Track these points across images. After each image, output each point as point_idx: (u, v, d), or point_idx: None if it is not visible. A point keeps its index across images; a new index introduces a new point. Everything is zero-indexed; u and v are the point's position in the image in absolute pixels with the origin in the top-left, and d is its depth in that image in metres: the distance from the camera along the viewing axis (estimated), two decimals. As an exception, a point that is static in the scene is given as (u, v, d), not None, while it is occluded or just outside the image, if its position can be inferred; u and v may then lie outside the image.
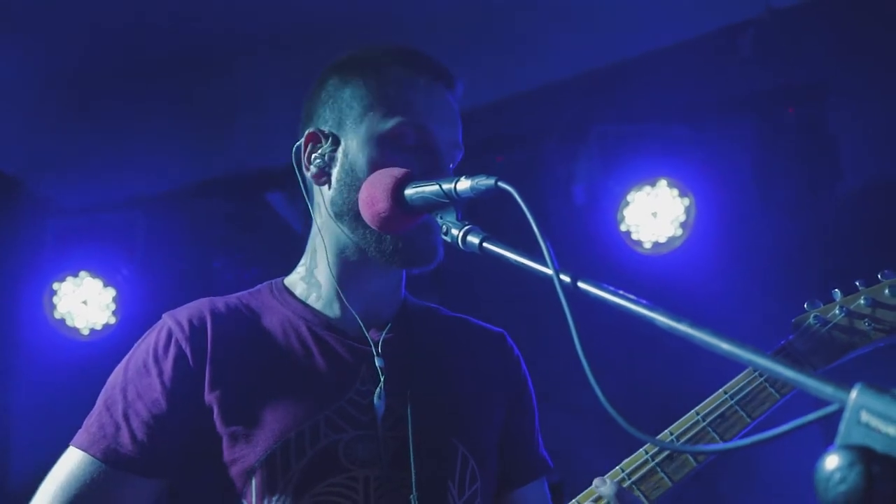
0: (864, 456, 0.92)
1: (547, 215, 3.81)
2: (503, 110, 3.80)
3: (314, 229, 1.91)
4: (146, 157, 4.31)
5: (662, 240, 3.79)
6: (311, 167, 1.87)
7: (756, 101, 3.51)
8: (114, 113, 4.12)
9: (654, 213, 3.77)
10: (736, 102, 3.56)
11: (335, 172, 1.84)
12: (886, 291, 1.70)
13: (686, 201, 3.73)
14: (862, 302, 1.71)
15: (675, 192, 3.74)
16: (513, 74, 3.77)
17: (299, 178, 1.92)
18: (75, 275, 4.25)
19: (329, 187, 1.84)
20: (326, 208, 1.85)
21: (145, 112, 4.15)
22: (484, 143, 3.70)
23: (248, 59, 3.69)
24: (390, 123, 1.79)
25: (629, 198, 3.79)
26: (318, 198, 1.88)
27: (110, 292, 4.24)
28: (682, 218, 3.75)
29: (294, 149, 1.90)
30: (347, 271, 1.87)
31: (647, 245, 3.82)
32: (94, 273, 4.28)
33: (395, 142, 1.80)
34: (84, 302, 4.24)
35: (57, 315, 4.22)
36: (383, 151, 1.79)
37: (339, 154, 1.86)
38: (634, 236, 3.83)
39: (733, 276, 3.61)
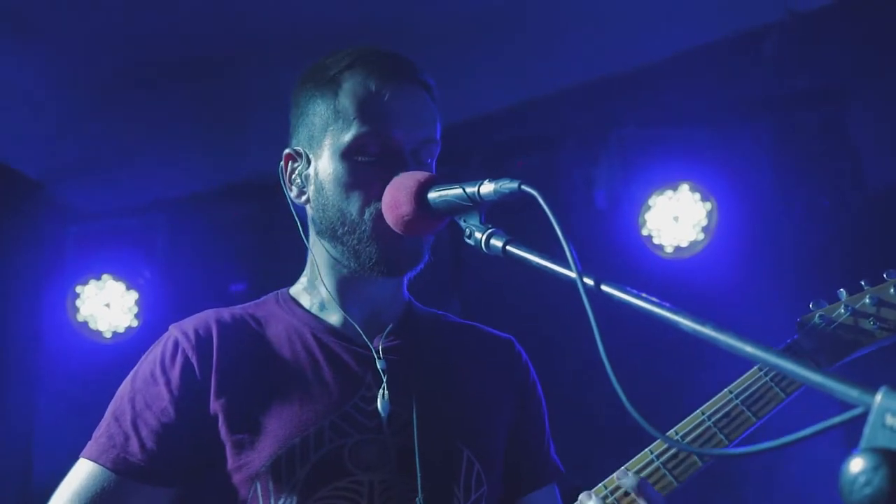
0: (889, 459, 0.93)
1: (568, 219, 3.72)
2: (524, 114, 3.84)
3: (310, 243, 1.95)
4: (167, 162, 4.37)
5: (684, 244, 3.83)
6: (292, 187, 1.90)
7: (777, 105, 3.54)
8: (134, 119, 4.20)
9: (676, 218, 3.81)
10: (757, 106, 3.59)
11: (311, 192, 1.87)
12: (892, 290, 1.71)
13: (708, 205, 3.77)
14: (867, 301, 1.72)
15: (697, 196, 3.78)
16: (533, 78, 3.80)
17: (287, 197, 1.94)
18: (98, 278, 4.31)
19: (310, 206, 1.87)
20: (313, 225, 1.90)
21: (165, 118, 4.17)
22: (504, 146, 3.72)
23: (266, 62, 3.74)
24: (348, 137, 1.80)
25: (651, 202, 3.83)
26: (309, 213, 1.91)
27: (133, 295, 4.30)
28: (704, 222, 3.79)
29: (279, 169, 1.93)
30: (342, 282, 1.90)
31: (669, 249, 3.86)
32: (117, 276, 4.34)
33: (357, 154, 1.80)
34: (107, 305, 4.30)
35: (80, 318, 4.28)
36: (347, 166, 1.81)
37: (312, 173, 1.87)
38: (656, 240, 3.87)
39: (755, 280, 3.64)
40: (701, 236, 3.82)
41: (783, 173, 3.65)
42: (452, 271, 3.53)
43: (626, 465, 1.78)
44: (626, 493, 1.73)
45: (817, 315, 1.74)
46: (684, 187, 3.80)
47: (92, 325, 4.31)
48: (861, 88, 3.60)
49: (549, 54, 3.67)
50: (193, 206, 4.44)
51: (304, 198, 1.89)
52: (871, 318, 1.71)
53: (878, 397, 0.98)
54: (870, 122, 3.64)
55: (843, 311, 1.73)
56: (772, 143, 3.65)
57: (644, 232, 3.87)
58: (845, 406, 0.98)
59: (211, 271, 4.37)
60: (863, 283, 1.74)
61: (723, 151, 3.75)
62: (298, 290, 1.97)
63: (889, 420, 0.96)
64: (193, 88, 4.01)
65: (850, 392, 1.02)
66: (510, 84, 3.88)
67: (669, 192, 3.82)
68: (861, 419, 0.96)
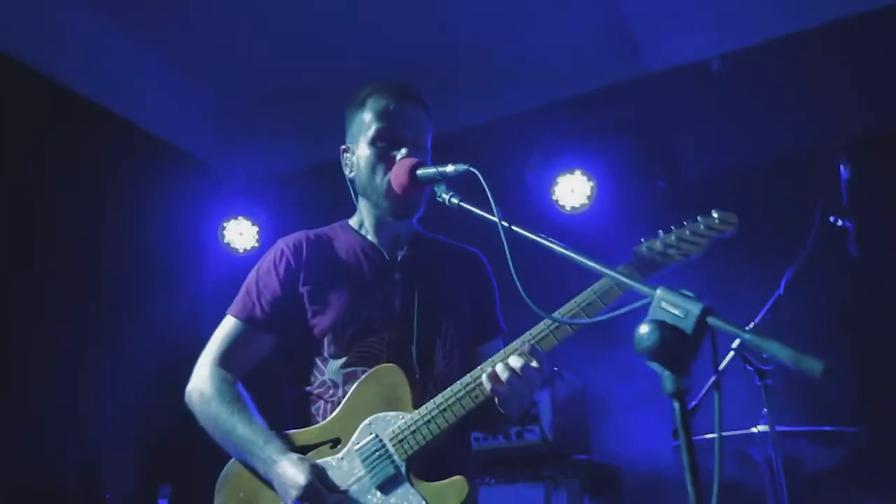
0: (660, 325, 1.28)
1: (510, 191, 4.94)
2: (487, 130, 5.17)
3: (357, 199, 2.30)
4: (281, 149, 5.36)
5: (577, 206, 4.94)
6: (346, 168, 2.27)
7: (626, 130, 4.93)
8: (264, 122, 5.11)
9: (572, 190, 4.95)
10: (616, 128, 4.95)
11: (356, 170, 2.22)
12: (687, 232, 1.92)
13: (591, 183, 4.93)
14: (673, 238, 1.93)
15: (585, 177, 4.95)
16: (493, 107, 5.10)
17: (344, 173, 2.29)
18: (236, 218, 5.49)
19: (356, 177, 2.23)
20: (357, 187, 2.25)
21: (279, 123, 5.11)
22: (474, 148, 4.80)
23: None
24: (371, 131, 2.16)
25: (558, 180, 4.98)
26: (355, 182, 2.26)
27: (255, 228, 5.51)
28: (588, 193, 4.92)
29: (341, 157, 2.28)
30: (375, 220, 2.25)
31: (568, 209, 4.96)
32: (246, 216, 5.50)
33: (376, 141, 2.16)
34: (240, 233, 5.49)
35: (225, 240, 5.48)
36: (371, 149, 2.17)
37: (354, 159, 2.23)
38: (560, 203, 4.96)
39: (615, 227, 4.54)
40: (586, 202, 4.94)
41: (634, 165, 4.93)
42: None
43: (527, 333, 1.98)
44: (521, 353, 1.91)
45: (644, 246, 1.95)
46: (577, 172, 4.96)
47: (232, 245, 5.46)
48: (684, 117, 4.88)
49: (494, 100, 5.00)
50: (293, 177, 5.60)
51: (352, 174, 2.26)
52: (674, 248, 1.92)
53: (658, 291, 1.34)
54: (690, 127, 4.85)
55: (658, 243, 1.94)
56: (627, 146, 4.95)
57: (553, 198, 4.98)
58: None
59: (299, 216, 4.92)
60: (672, 227, 1.96)
61: (599, 152, 4.96)
62: (353, 222, 2.32)
63: (663, 304, 1.33)
64: (301, 103, 4.81)
65: (643, 288, 1.40)
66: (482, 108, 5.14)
67: (568, 174, 4.96)
68: (648, 305, 1.34)
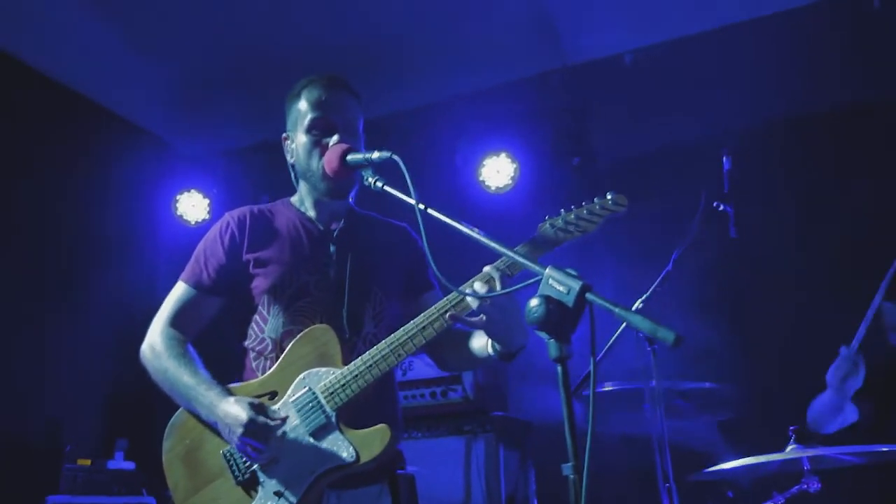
0: (547, 299, 1.42)
1: (440, 172, 5.11)
2: (419, 115, 5.28)
3: (297, 181, 2.36)
4: (227, 127, 5.38)
5: (501, 186, 5.08)
6: (287, 154, 2.34)
7: (545, 113, 5.10)
8: (218, 101, 5.11)
9: (498, 171, 5.09)
10: (534, 115, 5.13)
11: (295, 156, 2.29)
12: (585, 212, 1.98)
13: (515, 164, 5.06)
14: (572, 217, 1.98)
15: (509, 159, 5.07)
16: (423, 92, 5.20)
17: (286, 158, 2.36)
18: (188, 191, 5.56)
19: (296, 162, 2.30)
20: (297, 171, 2.32)
21: (232, 99, 5.04)
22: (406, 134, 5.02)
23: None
24: (307, 121, 2.23)
25: (484, 162, 5.10)
26: (295, 167, 2.33)
27: (206, 200, 5.58)
28: (512, 174, 5.05)
29: (283, 144, 2.36)
30: (315, 199, 2.32)
31: (493, 189, 5.09)
32: (198, 189, 5.57)
33: (311, 129, 2.22)
34: (192, 206, 5.56)
35: (178, 213, 5.55)
36: (307, 137, 2.24)
37: (295, 145, 2.29)
38: (486, 183, 5.10)
39: (530, 205, 4.83)
40: (510, 182, 5.06)
41: (554, 148, 5.10)
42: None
43: (444, 299, 2.03)
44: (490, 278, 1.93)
45: (548, 223, 1.99)
46: (502, 154, 5.08)
47: (185, 217, 5.54)
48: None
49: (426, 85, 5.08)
50: (243, 153, 5.62)
51: (292, 159, 2.33)
52: (573, 225, 1.97)
53: (547, 270, 1.44)
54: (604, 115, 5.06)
55: (560, 221, 1.98)
56: (548, 131, 5.11)
57: (480, 178, 5.11)
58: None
59: (248, 190, 5.35)
60: (572, 206, 2.01)
61: (522, 136, 5.10)
62: (293, 199, 2.39)
63: (551, 281, 1.43)
64: (253, 83, 4.80)
65: (535, 266, 1.52)
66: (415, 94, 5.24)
67: (494, 156, 5.07)
68: (538, 282, 1.44)
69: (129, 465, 4.57)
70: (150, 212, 5.60)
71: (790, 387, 4.11)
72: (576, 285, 1.43)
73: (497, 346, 2.02)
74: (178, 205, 5.57)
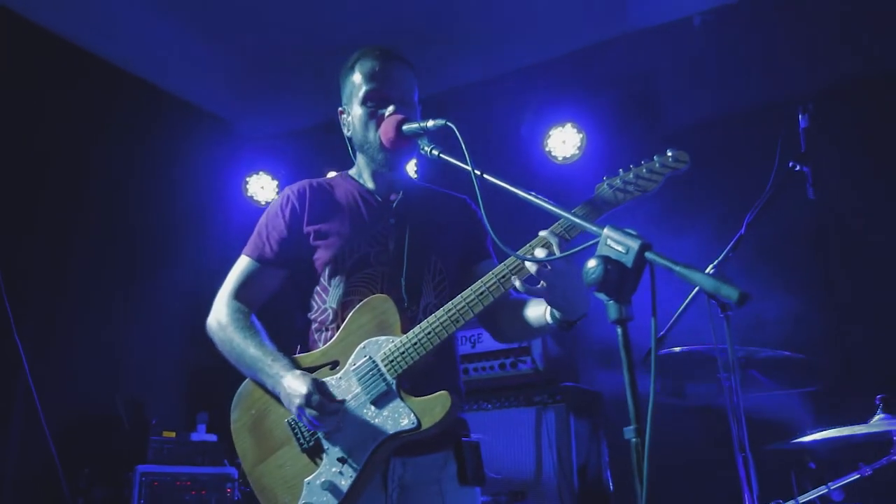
0: (605, 259, 1.37)
1: (506, 143, 5.09)
2: (482, 89, 5.21)
3: (355, 153, 2.38)
4: (297, 107, 5.44)
5: (568, 156, 5.01)
6: (344, 127, 2.35)
7: (613, 81, 5.00)
8: (281, 82, 5.19)
9: (564, 141, 5.02)
10: (602, 82, 5.03)
11: (352, 129, 2.30)
12: (644, 170, 1.92)
13: (581, 135, 4.99)
14: (631, 176, 1.92)
15: (575, 129, 5.00)
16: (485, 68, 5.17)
17: (343, 132, 2.37)
18: (257, 173, 5.72)
19: (353, 135, 2.31)
20: (354, 144, 2.34)
21: (290, 83, 5.21)
22: (467, 106, 5.00)
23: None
24: (361, 93, 2.24)
25: (550, 132, 5.04)
26: (352, 139, 2.34)
27: (275, 182, 5.66)
28: (579, 144, 4.99)
29: (339, 118, 2.38)
30: (373, 171, 2.34)
31: (560, 159, 5.03)
32: (266, 171, 5.72)
33: (366, 101, 2.23)
34: (262, 187, 5.72)
35: (248, 193, 5.71)
36: (363, 109, 2.25)
37: (351, 118, 2.30)
38: (553, 154, 5.03)
39: (600, 176, 4.56)
40: (577, 152, 5.00)
41: (621, 116, 4.97)
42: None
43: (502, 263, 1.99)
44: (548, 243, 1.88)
45: (605, 183, 1.95)
46: (568, 124, 5.02)
47: (255, 197, 5.70)
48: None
49: (488, 59, 5.03)
50: (308, 133, 5.66)
51: (349, 133, 2.34)
52: (632, 184, 1.92)
53: (605, 230, 1.38)
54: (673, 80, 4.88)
55: (618, 181, 1.93)
56: (615, 99, 4.99)
57: (546, 149, 5.04)
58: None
59: (315, 169, 4.90)
60: (631, 166, 1.95)
61: (588, 105, 5.03)
62: (351, 172, 2.42)
63: (609, 241, 1.39)
64: (316, 62, 4.48)
65: (592, 228, 1.50)
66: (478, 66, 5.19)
67: (560, 127, 5.02)
68: (596, 244, 1.40)
69: (212, 438, 4.77)
70: (221, 194, 5.73)
71: (878, 355, 3.95)
72: (634, 244, 1.37)
73: (556, 314, 1.98)
74: (247, 186, 5.70)
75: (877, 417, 2.86)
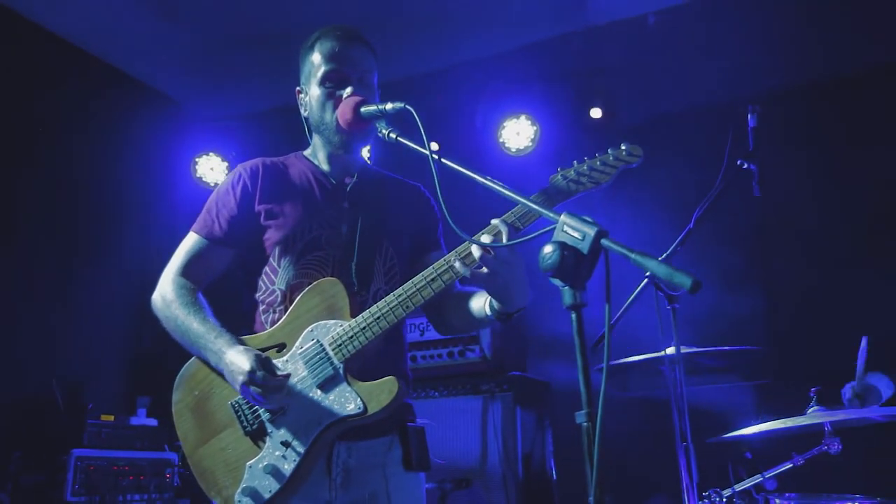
0: (561, 245, 1.37)
1: (459, 132, 5.04)
2: (439, 78, 5.19)
3: (311, 134, 2.34)
4: (250, 90, 5.35)
5: (521, 148, 5.03)
6: (301, 107, 2.31)
7: (569, 75, 5.01)
8: (235, 64, 5.05)
9: (518, 133, 5.03)
10: (557, 75, 5.04)
11: (309, 109, 2.27)
12: (598, 163, 1.92)
13: (535, 127, 5.01)
14: (585, 168, 1.92)
15: (529, 122, 5.02)
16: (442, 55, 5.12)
17: (300, 112, 2.33)
18: (207, 154, 5.54)
19: (310, 116, 2.27)
20: (311, 124, 2.30)
21: (246, 63, 5.06)
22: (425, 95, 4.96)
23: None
24: (320, 73, 2.21)
25: (504, 124, 5.04)
26: (308, 120, 2.30)
27: (225, 164, 5.56)
28: (532, 136, 5.00)
29: (297, 98, 2.34)
30: (329, 153, 2.30)
31: (513, 151, 5.04)
32: (217, 152, 5.55)
33: (325, 82, 2.20)
34: (211, 168, 5.54)
35: (197, 175, 5.53)
36: (321, 89, 2.21)
37: (308, 98, 2.26)
38: (506, 145, 5.04)
39: (553, 168, 4.70)
40: (530, 144, 5.01)
41: (574, 110, 5.00)
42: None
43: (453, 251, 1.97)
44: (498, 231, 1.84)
45: (560, 175, 1.94)
46: (523, 117, 5.02)
47: (203, 179, 5.53)
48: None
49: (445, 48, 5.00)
50: (261, 115, 5.55)
51: (306, 113, 2.30)
52: (586, 176, 1.91)
53: (562, 216, 1.40)
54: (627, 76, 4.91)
55: (572, 172, 1.93)
56: (569, 93, 5.02)
57: (500, 140, 5.05)
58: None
59: (267, 153, 4.97)
60: (585, 158, 1.94)
61: (543, 98, 5.02)
62: (307, 153, 2.37)
63: (566, 228, 1.39)
64: (269, 47, 4.68)
65: (550, 213, 1.47)
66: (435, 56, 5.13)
67: (514, 118, 5.01)
68: (551, 232, 1.40)
69: (152, 422, 4.64)
70: (168, 174, 5.57)
71: (813, 349, 4.05)
72: (591, 231, 1.36)
73: (495, 305, 1.97)
74: (196, 167, 5.55)
75: (811, 409, 2.92)
